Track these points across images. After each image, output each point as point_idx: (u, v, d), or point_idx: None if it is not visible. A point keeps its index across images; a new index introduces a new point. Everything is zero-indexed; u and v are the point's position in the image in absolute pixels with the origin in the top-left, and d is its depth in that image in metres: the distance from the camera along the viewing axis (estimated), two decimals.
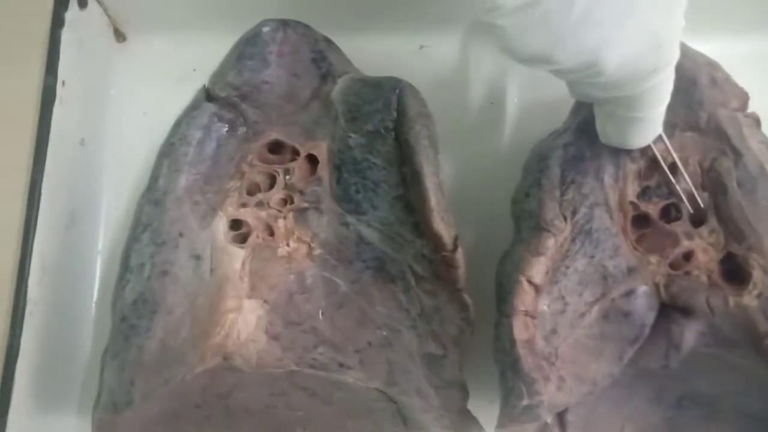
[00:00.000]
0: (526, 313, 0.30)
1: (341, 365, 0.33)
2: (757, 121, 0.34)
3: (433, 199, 0.32)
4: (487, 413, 0.33)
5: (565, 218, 0.32)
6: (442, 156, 0.35)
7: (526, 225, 0.33)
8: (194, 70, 0.42)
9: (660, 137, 0.32)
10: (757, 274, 0.31)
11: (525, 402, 0.29)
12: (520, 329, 0.30)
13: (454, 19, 0.42)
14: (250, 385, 0.34)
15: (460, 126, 0.42)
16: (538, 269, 0.31)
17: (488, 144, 0.42)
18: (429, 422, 0.34)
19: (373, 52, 0.41)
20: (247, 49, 0.35)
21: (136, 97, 0.42)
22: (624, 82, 0.27)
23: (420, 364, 0.33)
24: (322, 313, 0.33)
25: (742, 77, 0.35)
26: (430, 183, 0.32)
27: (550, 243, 0.31)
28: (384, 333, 0.33)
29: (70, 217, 0.38)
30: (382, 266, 0.33)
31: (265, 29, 0.36)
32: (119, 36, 0.43)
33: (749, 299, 0.30)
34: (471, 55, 0.43)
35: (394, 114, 0.33)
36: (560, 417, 0.34)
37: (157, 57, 0.43)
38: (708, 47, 0.36)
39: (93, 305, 0.40)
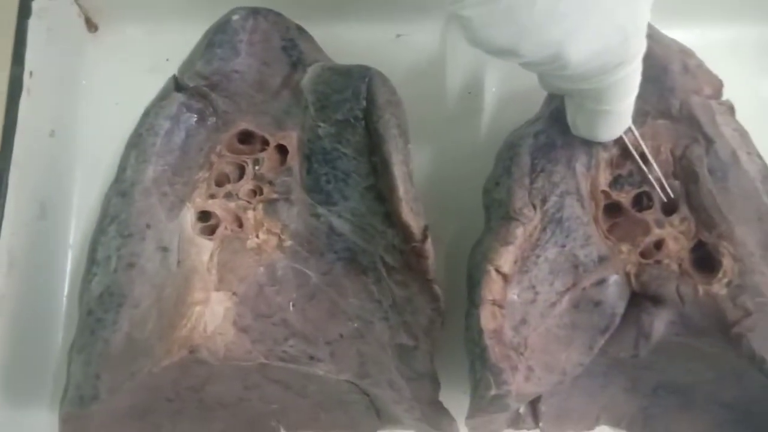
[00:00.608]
0: (494, 303, 0.30)
1: (312, 358, 0.33)
2: (730, 109, 0.34)
3: (402, 189, 0.31)
4: (458, 404, 0.33)
5: (534, 207, 0.31)
6: (419, 146, 0.34)
7: (496, 214, 0.32)
8: (167, 59, 0.42)
9: (630, 129, 0.32)
10: (726, 262, 0.30)
11: (493, 392, 0.29)
12: (487, 319, 0.29)
13: (431, 7, 0.42)
14: (222, 379, 0.34)
15: (438, 116, 0.42)
16: (506, 258, 0.30)
17: (466, 134, 0.42)
18: (401, 414, 0.34)
19: (349, 41, 0.41)
20: (217, 37, 0.35)
21: (109, 88, 0.42)
22: (590, 75, 0.27)
23: (392, 356, 0.33)
24: (293, 305, 0.33)
25: (719, 65, 0.35)
26: (398, 172, 0.31)
27: (519, 232, 0.31)
28: (355, 325, 0.33)
29: (40, 209, 0.37)
30: (354, 257, 0.33)
31: (235, 17, 0.35)
32: (91, 25, 0.43)
33: (719, 287, 0.30)
34: (448, 44, 0.43)
35: (364, 103, 0.33)
36: (533, 407, 0.34)
37: (130, 47, 0.43)
38: (689, 35, 0.36)
39: (64, 299, 0.39)
